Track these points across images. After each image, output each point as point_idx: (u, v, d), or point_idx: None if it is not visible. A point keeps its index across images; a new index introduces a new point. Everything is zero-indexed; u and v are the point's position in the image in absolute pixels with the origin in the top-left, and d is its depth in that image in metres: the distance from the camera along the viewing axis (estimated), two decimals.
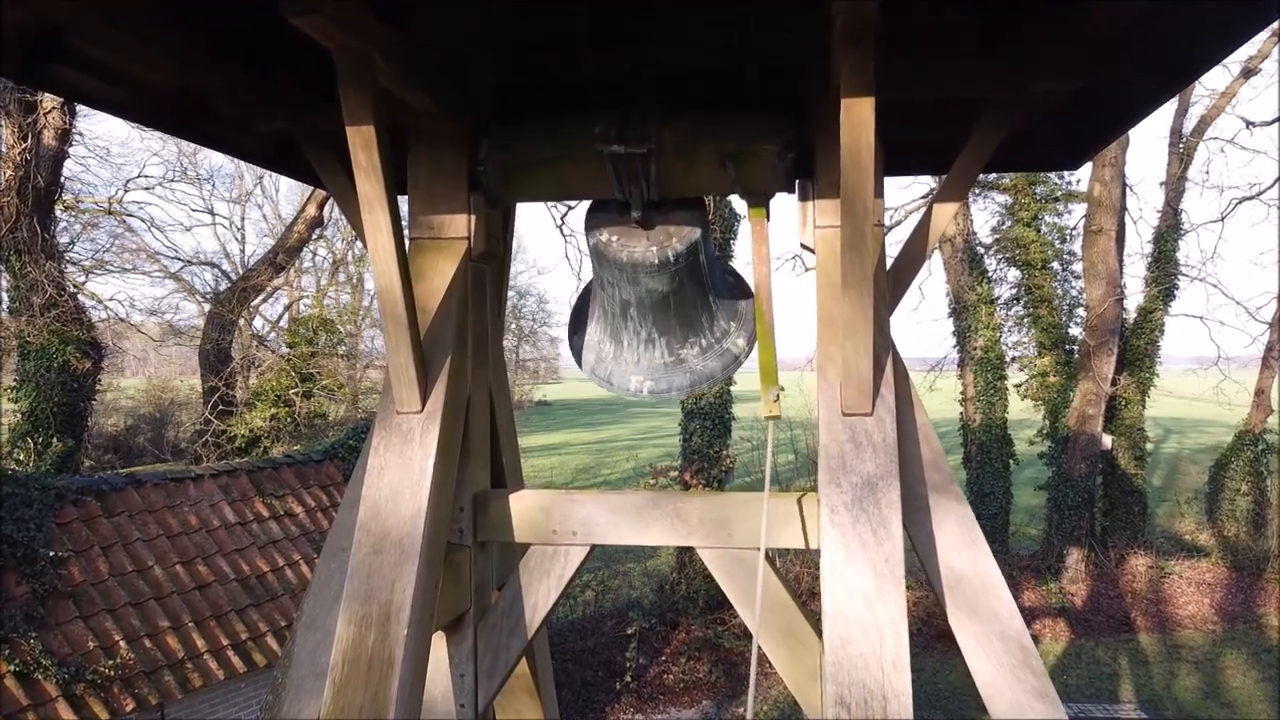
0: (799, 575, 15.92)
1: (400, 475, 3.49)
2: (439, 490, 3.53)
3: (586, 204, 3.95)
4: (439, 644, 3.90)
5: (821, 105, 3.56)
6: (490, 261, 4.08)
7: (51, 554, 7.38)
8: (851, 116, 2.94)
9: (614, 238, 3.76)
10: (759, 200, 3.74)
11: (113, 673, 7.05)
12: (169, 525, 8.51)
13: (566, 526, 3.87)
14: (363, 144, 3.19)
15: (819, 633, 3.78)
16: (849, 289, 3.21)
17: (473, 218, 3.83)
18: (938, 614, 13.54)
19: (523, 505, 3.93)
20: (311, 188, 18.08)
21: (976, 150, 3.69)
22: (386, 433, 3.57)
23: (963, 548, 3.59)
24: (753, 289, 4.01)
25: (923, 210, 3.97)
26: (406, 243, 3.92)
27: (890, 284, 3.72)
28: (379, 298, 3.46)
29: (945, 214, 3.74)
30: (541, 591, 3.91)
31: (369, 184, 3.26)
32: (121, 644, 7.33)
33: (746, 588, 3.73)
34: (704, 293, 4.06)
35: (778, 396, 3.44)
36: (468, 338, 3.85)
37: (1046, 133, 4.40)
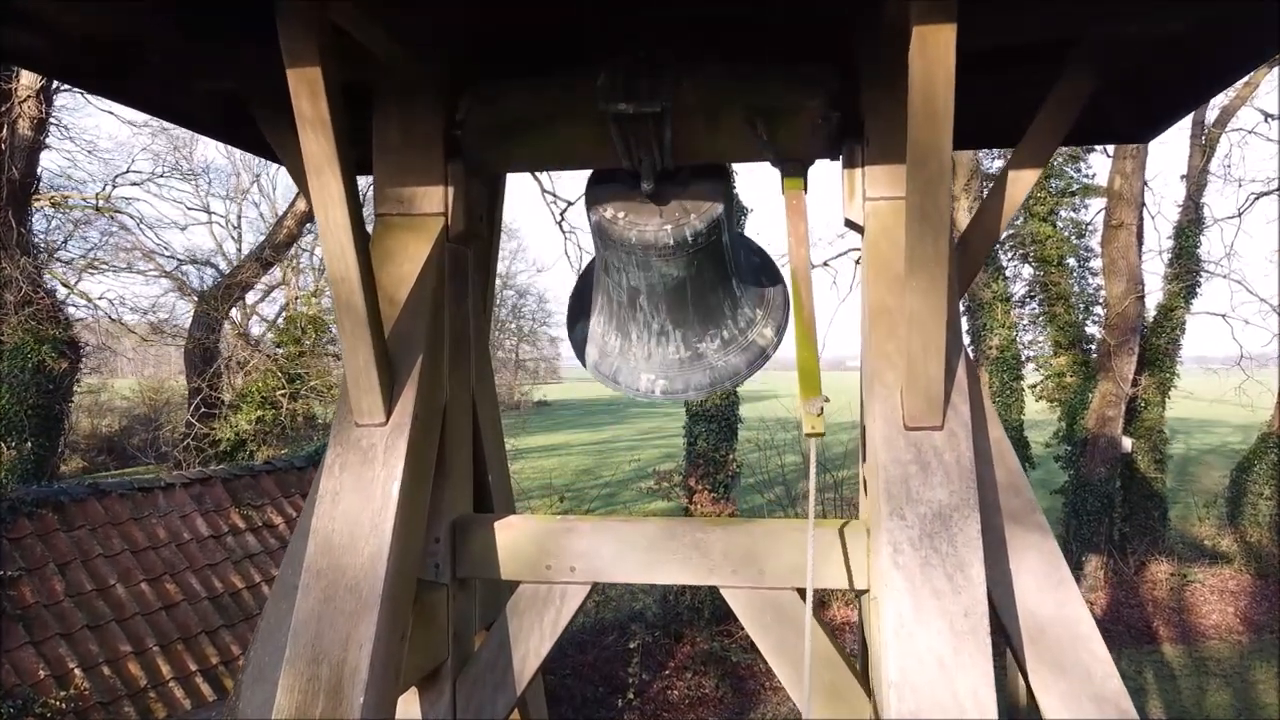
0: None
1: (358, 502, 2.85)
2: (407, 520, 2.89)
3: (585, 190, 3.31)
4: (409, 704, 3.25)
5: (874, 48, 2.92)
6: (472, 243, 3.43)
7: (0, 573, 6.72)
8: (926, 49, 2.30)
9: (621, 214, 3.13)
10: (796, 169, 3.10)
11: (65, 705, 6.38)
12: (134, 539, 7.84)
13: (563, 561, 3.22)
14: (307, 90, 2.54)
15: (865, 687, 3.15)
16: (917, 272, 2.56)
17: (450, 190, 3.19)
18: None
19: (511, 535, 3.28)
20: None
21: (1058, 108, 3.04)
22: (342, 449, 2.93)
23: (1047, 590, 2.94)
24: (785, 273, 3.41)
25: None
26: (371, 221, 3.28)
27: (957, 268, 3.07)
28: (331, 284, 2.81)
29: (1023, 183, 3.09)
30: (533, 638, 3.26)
31: (315, 141, 2.61)
32: (76, 672, 6.66)
33: (782, 636, 3.07)
34: (726, 276, 3.44)
35: (822, 410, 2.69)
36: (444, 334, 3.21)
37: (1119, 95, 3.75)
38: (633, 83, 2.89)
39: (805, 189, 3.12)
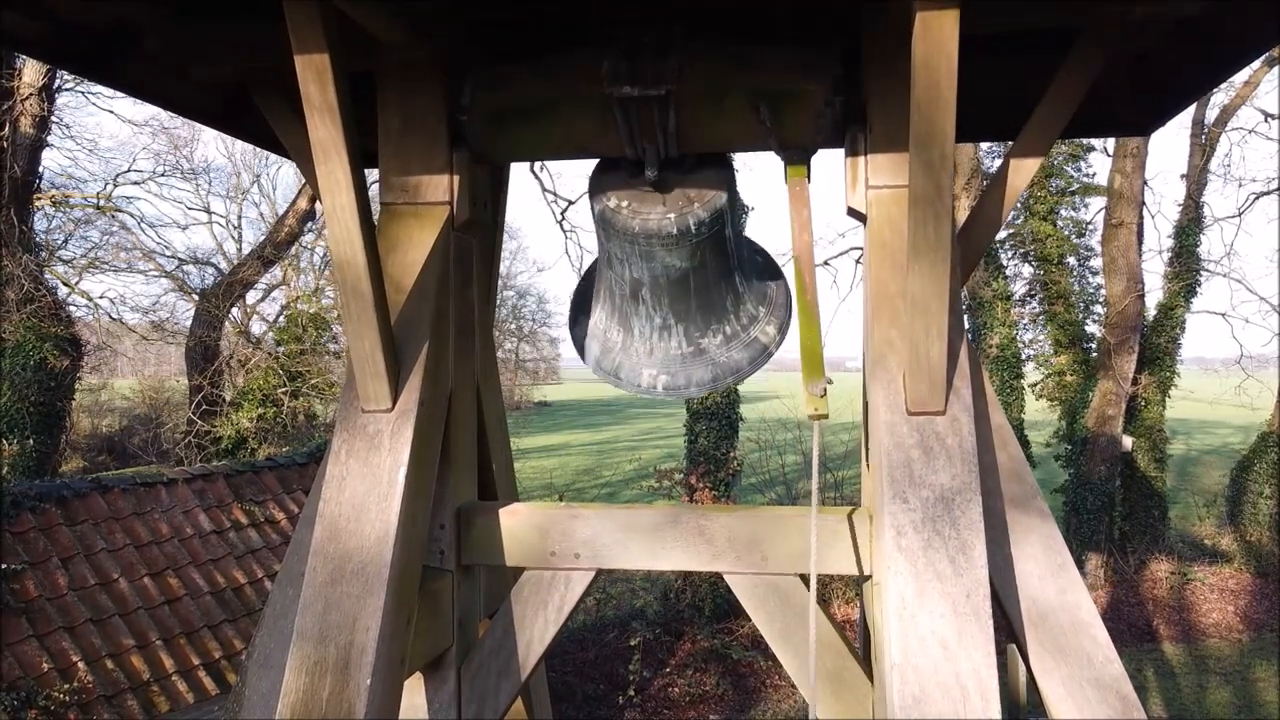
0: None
1: (365, 487, 2.87)
2: (412, 505, 2.91)
3: (589, 181, 3.33)
4: (414, 690, 3.27)
5: (878, 34, 2.94)
6: (477, 231, 3.45)
7: (4, 567, 6.74)
8: (929, 34, 2.32)
9: (624, 203, 3.15)
10: (799, 157, 3.12)
11: (68, 697, 6.41)
12: (137, 534, 7.87)
13: (567, 547, 3.24)
14: (314, 76, 2.56)
15: (867, 674, 3.17)
16: (920, 256, 2.58)
17: (455, 178, 3.21)
18: None
19: (515, 522, 3.30)
20: (304, 181, 17.41)
21: (1061, 94, 3.05)
22: (349, 435, 2.95)
23: (1049, 575, 2.97)
24: (788, 271, 3.43)
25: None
26: (376, 209, 3.30)
27: (959, 255, 3.09)
28: (337, 270, 2.83)
29: (1025, 171, 3.11)
30: (537, 625, 3.28)
31: (323, 127, 2.64)
32: (80, 665, 6.69)
33: (786, 622, 3.09)
34: (729, 270, 3.45)
35: (825, 391, 2.72)
36: (449, 322, 3.23)
37: (1124, 81, 3.77)
38: (637, 67, 2.91)
39: (809, 177, 3.14)
